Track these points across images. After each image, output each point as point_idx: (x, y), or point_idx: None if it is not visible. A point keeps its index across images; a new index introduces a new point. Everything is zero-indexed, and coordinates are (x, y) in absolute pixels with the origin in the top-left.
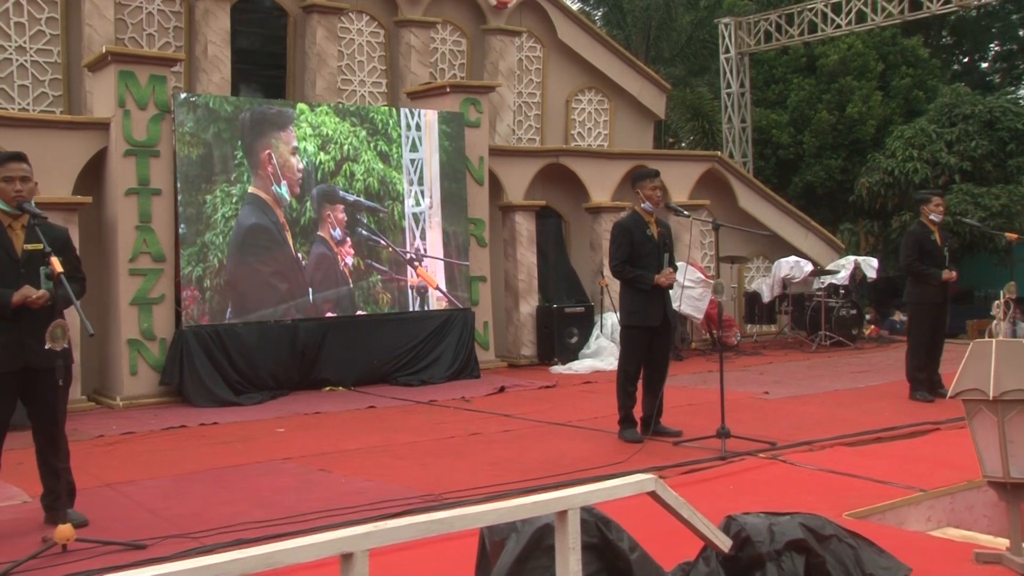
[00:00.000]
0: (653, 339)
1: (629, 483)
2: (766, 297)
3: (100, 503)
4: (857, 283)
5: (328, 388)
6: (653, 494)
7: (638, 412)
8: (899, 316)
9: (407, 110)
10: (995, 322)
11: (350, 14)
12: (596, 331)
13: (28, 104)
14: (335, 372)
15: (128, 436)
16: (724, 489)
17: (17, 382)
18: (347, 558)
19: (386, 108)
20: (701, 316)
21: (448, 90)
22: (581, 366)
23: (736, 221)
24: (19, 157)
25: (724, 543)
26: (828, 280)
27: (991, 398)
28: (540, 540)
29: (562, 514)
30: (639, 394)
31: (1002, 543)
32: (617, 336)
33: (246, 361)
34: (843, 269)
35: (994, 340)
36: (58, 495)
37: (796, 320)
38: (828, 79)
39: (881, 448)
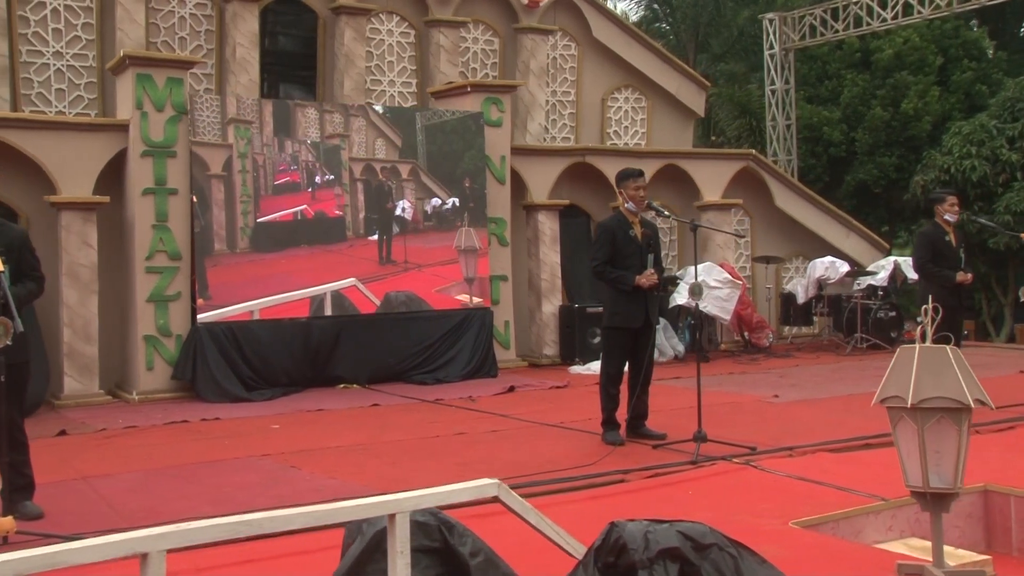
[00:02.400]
0: (635, 341)
1: (469, 488)
2: (801, 298)
3: (66, 496)
4: (898, 285)
5: (342, 385)
6: (497, 499)
7: (623, 415)
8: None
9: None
10: (919, 328)
11: (380, 15)
12: None
13: (65, 107)
14: (349, 370)
15: (129, 430)
16: (681, 494)
17: None
18: (144, 558)
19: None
20: (728, 317)
21: (469, 90)
22: (599, 366)
23: (774, 220)
24: None
25: (576, 550)
26: (867, 281)
27: (909, 405)
28: (381, 542)
29: (392, 517)
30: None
31: (961, 555)
32: None
33: (259, 358)
34: (882, 270)
35: (918, 346)
36: (16, 488)
37: (835, 322)
38: (883, 74)
39: (865, 455)
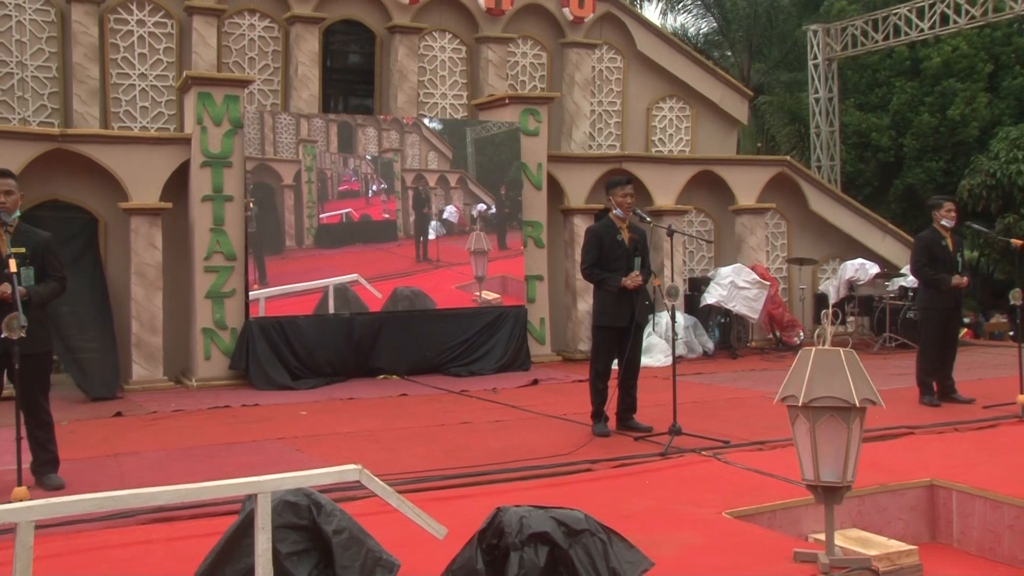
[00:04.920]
0: (622, 339)
1: (331, 472)
2: (832, 299)
3: (91, 470)
4: None
5: (383, 376)
6: (358, 483)
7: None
8: (997, 319)
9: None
10: (818, 329)
11: (433, 32)
12: (648, 328)
13: (148, 122)
14: (389, 362)
15: (176, 413)
16: (638, 484)
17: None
18: (16, 527)
19: None
20: (756, 316)
21: (508, 101)
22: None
23: (809, 223)
24: (4, 174)
25: (438, 531)
26: (899, 283)
27: (801, 404)
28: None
29: (255, 497)
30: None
31: (890, 545)
32: (669, 335)
33: (305, 350)
34: None
35: (814, 348)
36: (42, 461)
37: (868, 322)
38: (932, 81)
39: None
